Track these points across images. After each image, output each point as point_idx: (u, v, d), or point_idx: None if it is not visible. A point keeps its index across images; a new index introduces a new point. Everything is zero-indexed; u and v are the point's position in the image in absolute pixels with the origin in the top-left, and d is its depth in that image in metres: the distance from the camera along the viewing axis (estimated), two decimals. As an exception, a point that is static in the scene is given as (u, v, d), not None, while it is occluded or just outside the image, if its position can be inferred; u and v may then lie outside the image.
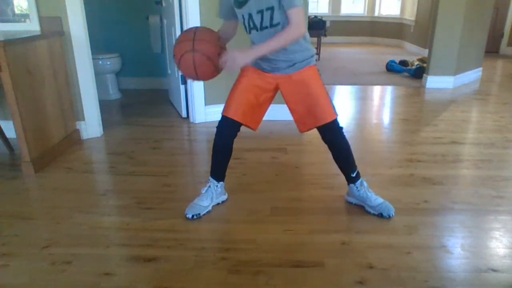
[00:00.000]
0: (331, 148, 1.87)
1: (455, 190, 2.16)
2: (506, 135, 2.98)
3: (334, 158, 1.91)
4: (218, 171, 1.95)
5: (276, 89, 1.83)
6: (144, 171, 2.41)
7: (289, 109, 1.83)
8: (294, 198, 2.09)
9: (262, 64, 1.77)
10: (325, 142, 1.85)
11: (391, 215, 1.87)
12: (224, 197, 2.04)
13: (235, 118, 1.78)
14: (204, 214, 1.91)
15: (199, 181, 2.30)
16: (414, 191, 2.14)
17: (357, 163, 2.17)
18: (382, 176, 2.32)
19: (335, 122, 1.79)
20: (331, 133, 1.82)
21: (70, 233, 1.78)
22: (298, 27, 1.59)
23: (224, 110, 1.81)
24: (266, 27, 1.65)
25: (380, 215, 1.88)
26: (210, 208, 1.95)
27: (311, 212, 1.95)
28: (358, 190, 1.93)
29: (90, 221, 1.87)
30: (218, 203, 2.00)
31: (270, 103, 1.87)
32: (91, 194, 2.15)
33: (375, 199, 1.91)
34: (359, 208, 1.97)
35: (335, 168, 2.20)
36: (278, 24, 1.63)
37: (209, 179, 1.96)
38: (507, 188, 2.17)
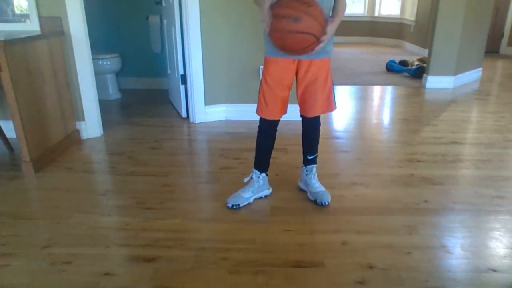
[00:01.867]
0: (304, 128, 2.01)
1: (455, 190, 2.16)
2: (506, 135, 2.98)
3: (303, 138, 2.04)
4: (261, 163, 2.03)
5: (295, 72, 1.85)
6: (144, 171, 2.41)
7: (297, 91, 1.89)
8: (294, 198, 2.09)
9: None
10: (305, 123, 1.98)
11: (324, 203, 1.97)
12: (268, 191, 2.09)
13: (273, 118, 1.89)
14: (243, 206, 1.98)
15: (199, 181, 2.30)
16: (414, 191, 2.14)
17: (357, 163, 2.18)
18: (382, 176, 2.32)
19: (318, 116, 1.94)
20: (316, 121, 1.97)
21: (70, 233, 1.78)
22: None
23: (262, 113, 1.89)
24: None
25: (314, 202, 2.00)
26: (251, 200, 2.01)
27: (311, 212, 1.95)
28: (306, 174, 2.07)
29: (90, 221, 1.87)
30: (261, 197, 2.05)
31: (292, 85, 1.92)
32: (91, 194, 2.15)
33: (317, 187, 2.03)
34: (359, 208, 1.97)
35: (335, 168, 2.20)
36: None
37: (252, 171, 2.03)
38: (507, 188, 2.17)
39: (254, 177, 2.02)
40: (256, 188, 2.03)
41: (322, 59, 1.80)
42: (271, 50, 1.77)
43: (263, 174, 2.04)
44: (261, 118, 1.92)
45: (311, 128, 2.01)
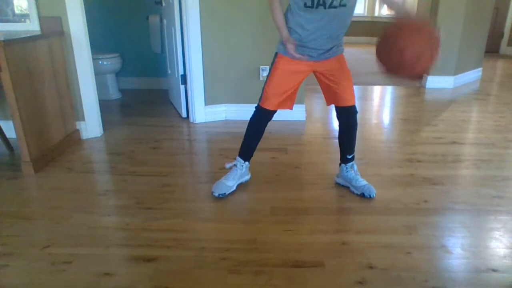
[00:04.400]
0: (342, 127, 2.06)
1: (455, 190, 2.16)
2: (506, 135, 2.98)
3: (340, 136, 2.09)
4: (247, 152, 2.11)
5: (309, 72, 1.94)
6: (144, 171, 2.41)
7: (322, 86, 1.98)
8: (294, 198, 2.09)
9: (305, 52, 1.83)
10: (339, 120, 2.04)
11: (372, 196, 2.03)
12: (247, 177, 2.20)
13: (272, 108, 1.95)
14: (229, 194, 2.07)
15: (199, 181, 2.30)
16: (414, 191, 2.14)
17: (357, 163, 2.18)
18: (382, 176, 2.32)
19: (354, 107, 1.97)
20: (349, 115, 1.99)
21: (70, 233, 1.78)
22: None
23: (261, 102, 1.96)
24: (335, 7, 1.70)
25: (362, 195, 2.04)
26: (234, 188, 2.11)
27: (311, 212, 1.95)
28: (347, 171, 2.11)
29: (90, 221, 1.87)
30: (242, 183, 2.16)
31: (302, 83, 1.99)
32: (91, 194, 2.15)
33: (361, 181, 2.08)
34: (359, 208, 1.97)
35: (335, 168, 2.20)
36: (345, 5, 1.72)
37: (236, 159, 2.11)
38: (507, 188, 2.17)
39: (238, 165, 2.09)
40: (239, 176, 2.11)
41: (338, 55, 1.91)
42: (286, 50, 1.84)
43: (247, 163, 2.13)
44: (257, 110, 1.98)
45: (350, 124, 2.03)
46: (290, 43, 1.77)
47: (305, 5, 1.70)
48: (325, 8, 1.70)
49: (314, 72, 1.95)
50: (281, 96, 1.93)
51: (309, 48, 1.82)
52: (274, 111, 1.98)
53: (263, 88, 1.95)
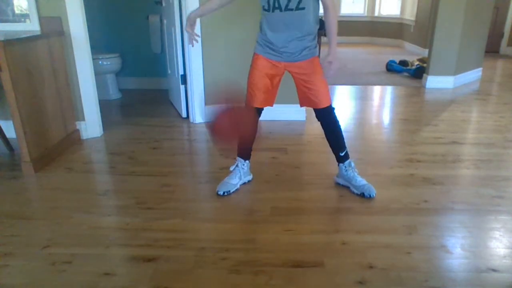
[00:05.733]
0: (323, 127, 2.07)
1: (455, 190, 2.16)
2: (506, 135, 2.98)
3: (326, 137, 2.11)
4: (245, 151, 2.16)
5: (284, 70, 1.98)
6: (144, 171, 2.41)
7: (297, 88, 2.02)
8: (294, 198, 2.09)
9: (275, 56, 1.92)
10: (319, 121, 2.06)
11: (372, 195, 2.03)
12: (250, 177, 2.24)
13: (257, 106, 2.00)
14: (233, 192, 2.10)
15: (199, 181, 2.30)
16: (414, 191, 2.14)
17: (357, 163, 2.18)
18: (382, 176, 2.32)
19: (330, 107, 1.99)
20: (325, 115, 2.02)
21: (70, 233, 1.78)
22: (336, 8, 1.79)
23: (247, 101, 2.01)
24: (291, 9, 1.76)
25: (362, 195, 2.04)
26: (238, 186, 2.15)
27: (311, 212, 1.95)
28: (346, 170, 2.11)
29: (90, 221, 1.87)
30: (245, 183, 2.19)
31: (280, 82, 2.05)
32: (91, 194, 2.15)
33: (360, 180, 2.09)
34: (359, 208, 1.97)
35: (335, 168, 2.20)
36: (303, 8, 1.76)
37: (236, 159, 2.16)
38: (507, 188, 2.17)
39: (239, 165, 2.14)
40: (242, 175, 2.15)
41: (310, 59, 1.92)
42: (262, 50, 1.93)
43: (247, 161, 2.17)
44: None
45: (330, 122, 2.05)
46: (189, 25, 2.00)
47: (263, 8, 1.81)
48: (281, 11, 1.77)
49: (289, 72, 1.98)
50: (264, 92, 1.98)
51: (279, 51, 1.89)
52: (261, 109, 2.03)
53: (247, 89, 2.01)
